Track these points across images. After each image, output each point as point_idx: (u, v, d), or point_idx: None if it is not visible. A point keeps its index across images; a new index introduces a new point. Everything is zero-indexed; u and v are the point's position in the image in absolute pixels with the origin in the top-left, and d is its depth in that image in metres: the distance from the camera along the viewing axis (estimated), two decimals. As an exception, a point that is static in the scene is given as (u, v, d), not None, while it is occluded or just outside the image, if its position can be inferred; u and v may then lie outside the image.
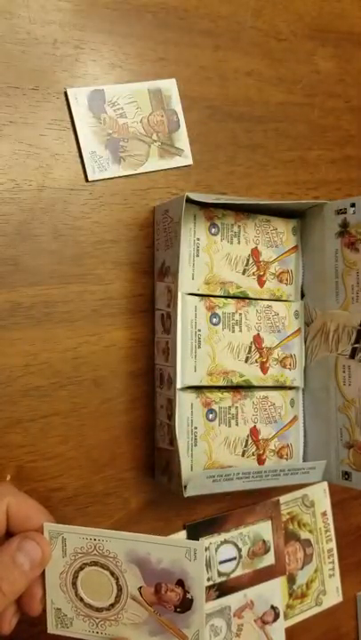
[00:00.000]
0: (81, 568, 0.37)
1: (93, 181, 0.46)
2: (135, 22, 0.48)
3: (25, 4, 0.44)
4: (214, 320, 0.46)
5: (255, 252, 0.48)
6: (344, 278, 0.48)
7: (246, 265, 0.48)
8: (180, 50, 0.50)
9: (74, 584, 0.37)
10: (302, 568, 0.55)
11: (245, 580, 0.51)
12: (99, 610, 0.37)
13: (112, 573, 0.36)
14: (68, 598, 0.37)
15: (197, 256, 0.46)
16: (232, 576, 0.50)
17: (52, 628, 0.37)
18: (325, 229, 0.49)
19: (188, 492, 0.42)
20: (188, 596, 0.36)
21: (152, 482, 0.47)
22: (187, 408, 0.45)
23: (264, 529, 0.52)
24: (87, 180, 0.45)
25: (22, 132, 0.43)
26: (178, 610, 0.36)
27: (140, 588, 0.36)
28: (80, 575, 0.37)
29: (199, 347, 0.45)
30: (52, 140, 0.44)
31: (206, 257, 0.46)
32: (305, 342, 0.51)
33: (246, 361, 0.47)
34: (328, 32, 0.57)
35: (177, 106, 0.49)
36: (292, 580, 0.54)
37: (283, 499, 0.53)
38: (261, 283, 0.49)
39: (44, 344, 0.44)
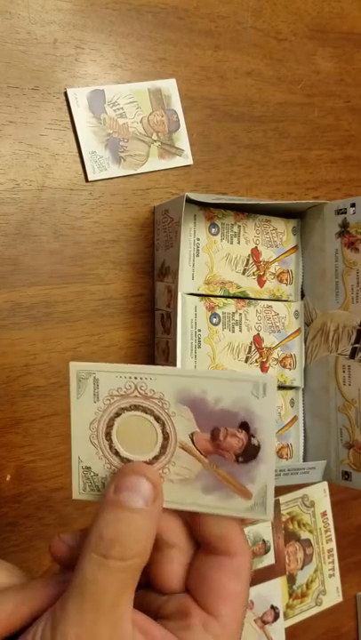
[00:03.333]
0: (117, 414, 0.29)
1: (93, 181, 0.46)
2: (135, 22, 0.48)
3: (25, 4, 0.44)
4: (214, 320, 0.46)
5: (255, 252, 0.48)
6: (344, 278, 0.48)
7: (246, 265, 0.48)
8: (180, 50, 0.50)
9: (108, 434, 0.29)
10: (302, 568, 0.55)
11: (245, 579, 0.51)
12: None
13: (157, 418, 0.29)
14: (101, 454, 0.29)
15: (197, 256, 0.46)
16: (232, 576, 0.50)
17: (78, 494, 0.29)
18: (325, 229, 0.49)
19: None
20: (254, 441, 0.27)
21: (152, 482, 0.47)
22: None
23: (264, 529, 0.52)
24: (87, 180, 0.45)
25: (22, 132, 0.43)
26: (240, 460, 0.28)
27: (193, 434, 0.28)
28: (116, 423, 0.29)
29: (199, 347, 0.45)
30: (52, 140, 0.44)
31: (206, 257, 0.46)
32: (305, 342, 0.51)
33: (246, 361, 0.47)
34: (328, 32, 0.57)
35: (177, 106, 0.49)
36: (292, 580, 0.54)
37: (283, 499, 0.53)
38: (261, 283, 0.49)
39: (44, 344, 0.43)
